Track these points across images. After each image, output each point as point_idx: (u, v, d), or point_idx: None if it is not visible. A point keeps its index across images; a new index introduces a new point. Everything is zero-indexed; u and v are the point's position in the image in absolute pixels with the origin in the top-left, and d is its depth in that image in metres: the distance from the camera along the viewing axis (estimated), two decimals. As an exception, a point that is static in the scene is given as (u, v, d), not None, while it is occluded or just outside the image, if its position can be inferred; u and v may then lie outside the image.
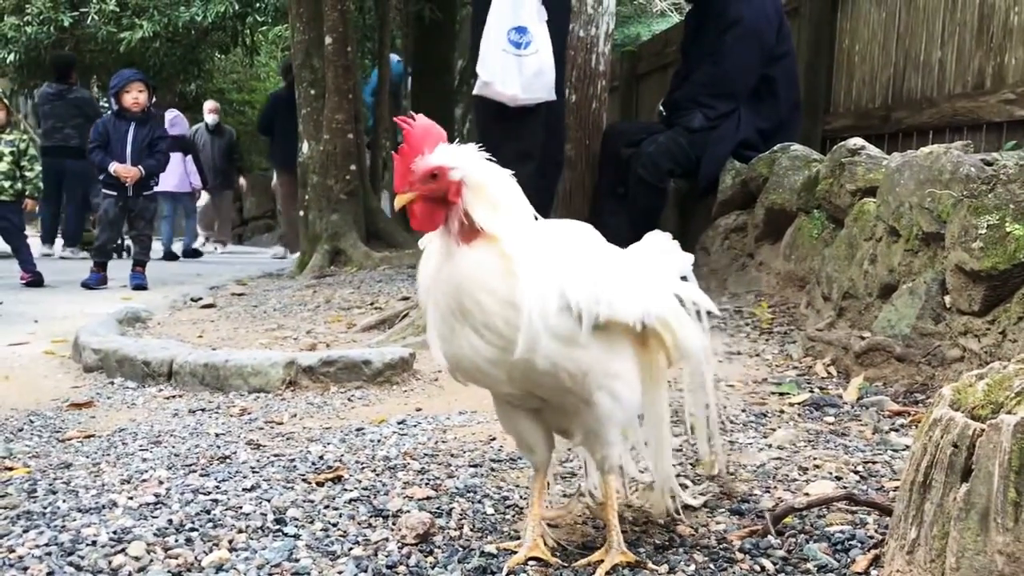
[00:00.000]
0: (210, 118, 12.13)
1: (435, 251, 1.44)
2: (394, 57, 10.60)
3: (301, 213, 7.71)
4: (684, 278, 1.64)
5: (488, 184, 1.40)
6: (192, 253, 11.34)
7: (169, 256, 10.77)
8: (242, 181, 13.23)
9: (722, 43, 4.92)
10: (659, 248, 1.65)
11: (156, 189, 10.82)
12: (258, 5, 11.60)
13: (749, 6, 4.82)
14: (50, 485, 2.07)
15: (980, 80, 4.14)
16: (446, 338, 1.43)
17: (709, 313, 1.62)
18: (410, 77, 10.91)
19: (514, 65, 4.33)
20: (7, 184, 6.87)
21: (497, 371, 1.42)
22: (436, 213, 1.40)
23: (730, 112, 4.90)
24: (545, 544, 1.57)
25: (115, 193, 6.76)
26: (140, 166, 6.75)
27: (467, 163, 1.39)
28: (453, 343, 1.42)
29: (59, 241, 10.51)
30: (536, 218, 1.46)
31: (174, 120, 10.95)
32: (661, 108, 5.36)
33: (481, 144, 1.43)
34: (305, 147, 7.43)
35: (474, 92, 4.48)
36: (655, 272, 1.56)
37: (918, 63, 4.61)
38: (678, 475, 1.90)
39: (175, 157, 10.68)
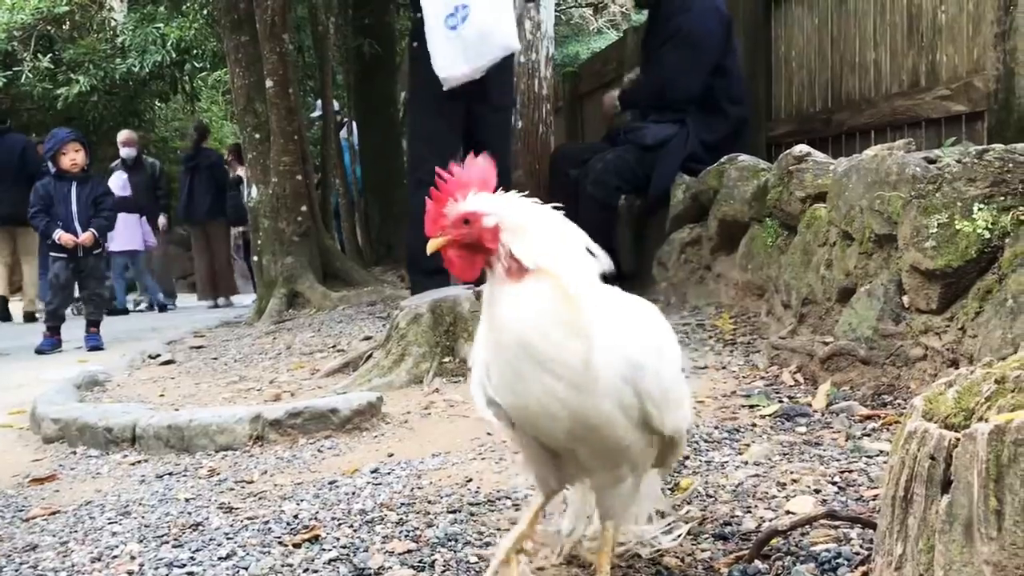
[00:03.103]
0: (125, 152, 10.62)
1: (487, 302, 1.40)
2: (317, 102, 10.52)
3: (255, 258, 7.63)
4: None
5: (529, 226, 1.37)
6: (162, 308, 11.06)
7: (120, 311, 10.53)
8: (162, 220, 11.35)
9: (662, 53, 5.00)
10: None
11: (111, 249, 10.72)
12: (195, 52, 11.49)
13: (689, 18, 4.89)
14: (16, 571, 2.00)
15: (915, 78, 4.23)
16: (512, 386, 1.38)
17: None
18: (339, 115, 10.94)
19: (458, 44, 4.34)
20: None
21: (564, 415, 1.36)
22: (475, 260, 1.38)
23: (677, 122, 4.95)
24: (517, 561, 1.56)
25: (64, 255, 6.61)
26: (92, 229, 6.59)
27: (502, 208, 1.37)
28: (522, 389, 1.37)
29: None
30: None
31: (125, 183, 10.76)
32: (617, 103, 5.43)
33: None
34: (254, 191, 7.35)
35: (444, 89, 4.46)
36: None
37: (854, 65, 4.69)
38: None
39: (131, 217, 10.52)
